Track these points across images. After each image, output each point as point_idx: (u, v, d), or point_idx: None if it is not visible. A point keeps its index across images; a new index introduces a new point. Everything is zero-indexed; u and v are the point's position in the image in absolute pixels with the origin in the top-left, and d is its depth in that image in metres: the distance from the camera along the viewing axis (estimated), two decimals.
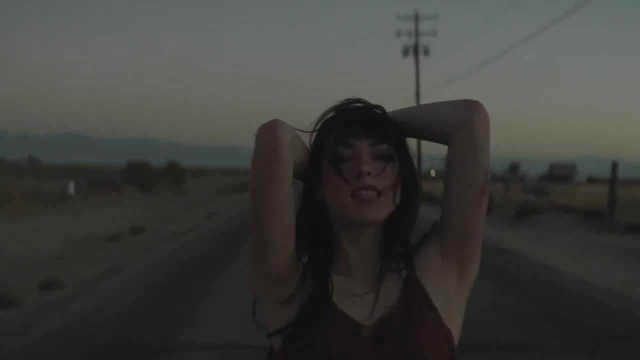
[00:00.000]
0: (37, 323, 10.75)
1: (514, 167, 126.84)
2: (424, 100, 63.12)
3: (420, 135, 2.14)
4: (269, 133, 1.93)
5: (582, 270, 16.92)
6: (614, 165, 29.27)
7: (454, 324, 2.11)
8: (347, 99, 2.12)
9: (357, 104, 2.12)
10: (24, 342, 9.76)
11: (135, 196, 44.40)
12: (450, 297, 2.11)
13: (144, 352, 9.15)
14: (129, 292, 13.47)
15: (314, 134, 2.11)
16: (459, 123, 2.04)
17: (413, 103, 64.82)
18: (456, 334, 2.11)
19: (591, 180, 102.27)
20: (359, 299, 2.03)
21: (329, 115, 2.12)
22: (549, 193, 50.31)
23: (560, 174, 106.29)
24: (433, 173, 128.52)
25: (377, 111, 2.11)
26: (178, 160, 71.86)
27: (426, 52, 66.98)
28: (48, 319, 11.00)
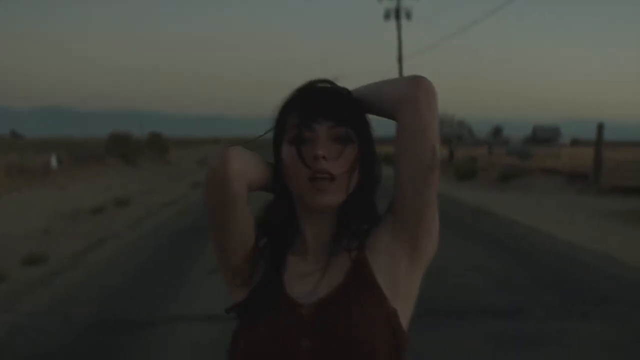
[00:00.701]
0: (22, 299, 10.67)
1: (497, 131, 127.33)
2: (406, 65, 63.00)
3: (374, 112, 2.13)
4: (219, 164, 1.97)
5: (569, 233, 16.89)
6: (600, 127, 29.21)
7: (404, 304, 2.08)
8: (313, 80, 2.11)
9: (321, 85, 2.11)
10: (8, 318, 9.66)
11: (119, 168, 44.29)
12: (400, 277, 2.08)
13: (129, 327, 9.04)
14: (115, 265, 13.39)
15: (277, 115, 2.12)
16: (403, 100, 2.02)
17: (395, 68, 64.69)
18: (406, 314, 2.08)
19: (575, 142, 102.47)
20: (307, 279, 2.06)
21: (292, 97, 2.11)
22: (533, 156, 50.35)
23: (543, 136, 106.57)
24: None
25: (341, 92, 2.10)
26: (163, 130, 71.74)
27: (408, 15, 66.66)
28: (33, 295, 10.92)
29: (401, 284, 2.07)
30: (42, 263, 13.42)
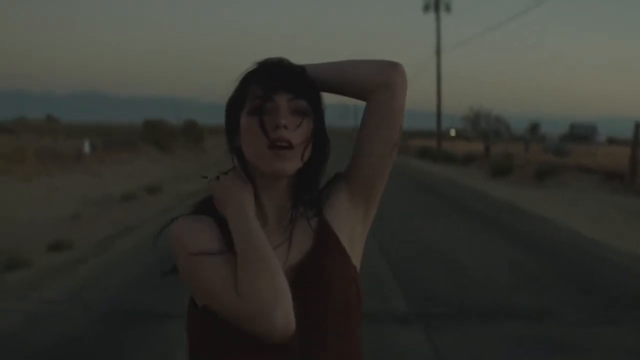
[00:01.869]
0: (43, 286, 10.57)
1: (534, 127, 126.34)
2: (444, 58, 62.54)
3: (340, 91, 2.27)
4: (284, 328, 2.01)
5: (602, 233, 16.58)
6: (637, 126, 28.76)
7: (357, 261, 2.29)
8: (270, 58, 2.21)
9: (280, 61, 2.20)
10: (26, 306, 9.56)
11: (152, 155, 44.29)
12: (356, 238, 2.29)
13: (149, 318, 8.88)
14: (139, 254, 13.21)
15: (236, 88, 2.21)
16: (382, 83, 2.20)
17: (433, 61, 64.40)
18: (358, 270, 2.29)
19: (611, 141, 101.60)
20: (278, 250, 2.12)
21: (252, 69, 2.20)
22: (569, 153, 49.88)
23: (580, 134, 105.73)
24: (453, 132, 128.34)
25: (297, 69, 2.19)
26: (198, 118, 71.65)
27: (447, 7, 66.43)
28: (54, 282, 10.82)
29: (355, 245, 2.28)
30: (67, 249, 13.33)
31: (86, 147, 36.65)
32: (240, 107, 2.16)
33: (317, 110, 2.18)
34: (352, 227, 2.27)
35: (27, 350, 7.75)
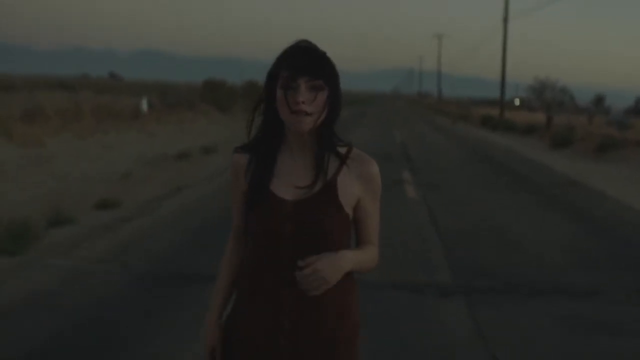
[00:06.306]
0: (85, 244, 10.51)
1: (599, 100, 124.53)
2: (513, 26, 61.73)
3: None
4: None
5: None
6: None
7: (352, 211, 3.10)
8: (298, 42, 2.95)
9: (304, 46, 2.93)
10: (69, 263, 9.51)
11: (211, 115, 44.26)
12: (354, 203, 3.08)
13: (188, 282, 8.75)
14: (187, 216, 13.13)
15: (273, 64, 2.97)
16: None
17: (500, 28, 63.52)
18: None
19: None
20: (292, 179, 3.01)
21: (283, 55, 2.94)
22: (632, 127, 48.95)
23: None
24: (517, 102, 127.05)
25: (318, 53, 2.92)
26: (261, 79, 71.07)
27: None
28: (97, 241, 10.75)
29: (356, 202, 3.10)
30: (114, 208, 13.29)
31: (143, 106, 36.63)
32: (275, 81, 2.92)
33: (332, 85, 2.91)
34: (353, 197, 3.06)
35: (64, 307, 7.69)
